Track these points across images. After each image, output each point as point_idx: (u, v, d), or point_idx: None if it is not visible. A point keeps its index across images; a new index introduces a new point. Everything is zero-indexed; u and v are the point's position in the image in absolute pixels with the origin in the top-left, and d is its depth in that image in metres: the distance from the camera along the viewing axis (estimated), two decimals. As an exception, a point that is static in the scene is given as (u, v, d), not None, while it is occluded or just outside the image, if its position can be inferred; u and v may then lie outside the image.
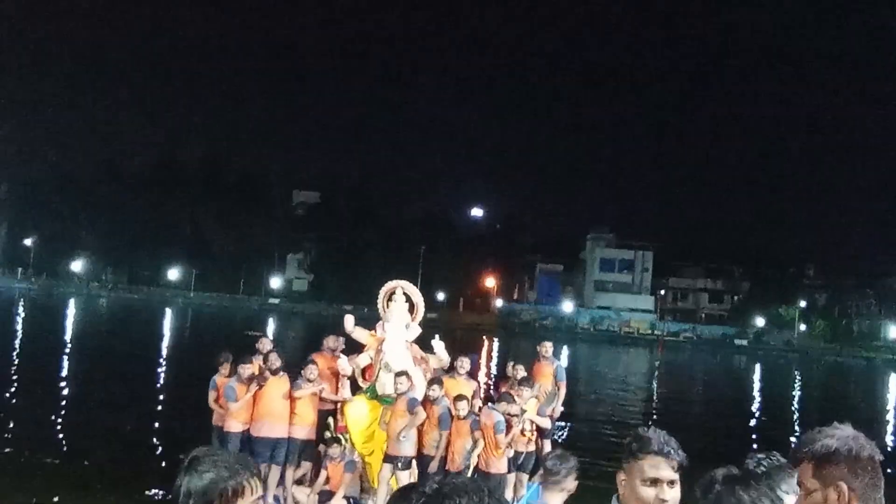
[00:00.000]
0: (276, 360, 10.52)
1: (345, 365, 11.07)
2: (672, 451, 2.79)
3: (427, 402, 10.23)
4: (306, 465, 10.68)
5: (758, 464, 2.79)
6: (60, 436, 16.49)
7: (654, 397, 37.05)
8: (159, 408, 21.19)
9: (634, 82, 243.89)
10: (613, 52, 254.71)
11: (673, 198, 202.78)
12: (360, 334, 11.32)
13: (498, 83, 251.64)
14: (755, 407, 36.73)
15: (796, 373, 63.00)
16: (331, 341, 11.76)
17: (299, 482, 10.54)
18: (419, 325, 11.37)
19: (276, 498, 10.26)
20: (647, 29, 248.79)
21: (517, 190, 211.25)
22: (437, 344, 11.24)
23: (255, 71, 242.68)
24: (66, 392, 22.92)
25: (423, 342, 11.57)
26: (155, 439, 16.61)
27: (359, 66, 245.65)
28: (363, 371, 11.29)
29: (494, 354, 51.42)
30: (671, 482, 2.76)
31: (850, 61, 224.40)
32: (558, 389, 12.02)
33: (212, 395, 10.95)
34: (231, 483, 2.19)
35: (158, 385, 26.36)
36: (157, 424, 18.52)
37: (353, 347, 11.68)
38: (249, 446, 10.11)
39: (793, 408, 37.41)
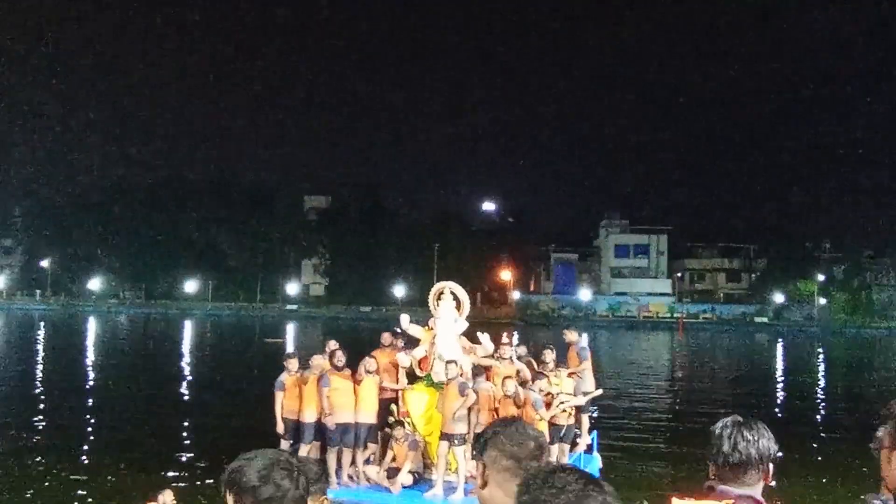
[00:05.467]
0: (341, 357, 11.89)
1: (403, 358, 12.43)
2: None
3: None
4: (373, 447, 12.02)
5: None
6: (85, 449, 16.62)
7: (679, 379, 37.00)
8: (185, 421, 21.28)
9: (640, 67, 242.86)
10: (618, 39, 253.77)
11: (684, 179, 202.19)
12: (414, 330, 12.79)
13: (502, 74, 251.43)
14: (780, 383, 36.61)
15: (819, 347, 62.72)
16: (387, 338, 13.01)
17: (367, 461, 11.99)
18: (466, 319, 12.70)
19: (349, 476, 11.80)
20: (651, 14, 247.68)
21: (527, 181, 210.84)
22: (483, 336, 12.48)
23: (260, 79, 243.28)
24: (91, 406, 23.09)
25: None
26: (177, 452, 16.69)
27: (362, 66, 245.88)
28: (419, 362, 12.60)
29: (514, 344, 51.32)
30: None
31: (854, 38, 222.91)
32: (582, 367, 13.11)
33: (279, 395, 11.91)
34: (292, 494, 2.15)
35: (181, 396, 26.49)
36: (182, 433, 18.63)
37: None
38: (322, 433, 11.68)
39: (818, 382, 37.22)
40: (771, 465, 2.66)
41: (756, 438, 2.63)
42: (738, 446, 2.63)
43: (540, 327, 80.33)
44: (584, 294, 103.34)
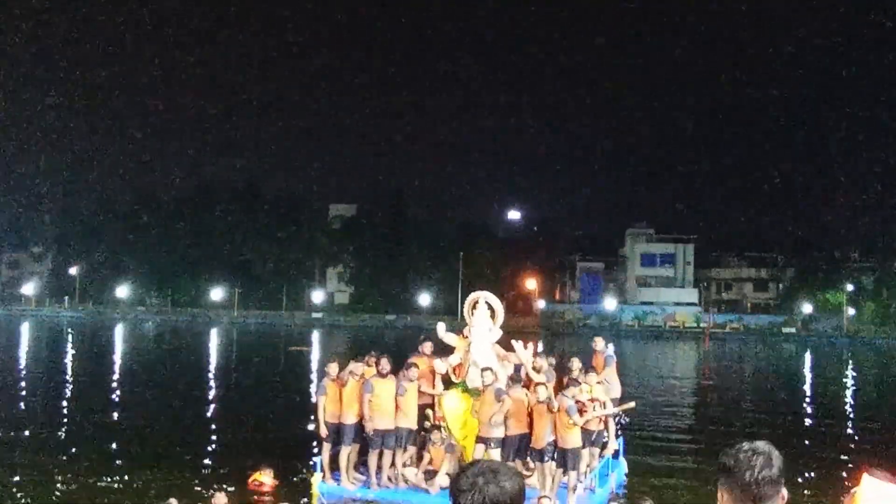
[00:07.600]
0: (386, 365, 12.51)
1: (440, 364, 12.99)
2: None
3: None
4: (412, 450, 12.70)
5: None
6: (110, 452, 16.67)
7: (704, 388, 36.64)
8: (207, 427, 21.34)
9: (665, 77, 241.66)
10: (642, 51, 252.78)
11: (711, 188, 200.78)
12: (450, 338, 13.36)
13: (528, 84, 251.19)
14: (808, 397, 36.16)
15: (848, 359, 61.91)
16: (426, 347, 13.61)
17: (405, 464, 12.56)
18: (500, 328, 13.23)
19: (389, 477, 12.40)
20: (676, 29, 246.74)
21: (553, 190, 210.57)
22: (517, 344, 13.01)
23: (286, 88, 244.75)
24: (116, 413, 23.21)
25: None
26: (200, 458, 16.73)
27: (388, 75, 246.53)
28: (454, 369, 13.11)
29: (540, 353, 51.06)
30: None
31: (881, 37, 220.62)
32: (606, 373, 13.76)
33: (321, 399, 12.49)
34: None
35: (205, 403, 26.58)
36: (205, 439, 18.67)
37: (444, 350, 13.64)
38: (363, 436, 12.32)
39: (847, 397, 36.67)
40: None
41: None
42: None
43: (564, 336, 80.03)
44: (610, 303, 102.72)
